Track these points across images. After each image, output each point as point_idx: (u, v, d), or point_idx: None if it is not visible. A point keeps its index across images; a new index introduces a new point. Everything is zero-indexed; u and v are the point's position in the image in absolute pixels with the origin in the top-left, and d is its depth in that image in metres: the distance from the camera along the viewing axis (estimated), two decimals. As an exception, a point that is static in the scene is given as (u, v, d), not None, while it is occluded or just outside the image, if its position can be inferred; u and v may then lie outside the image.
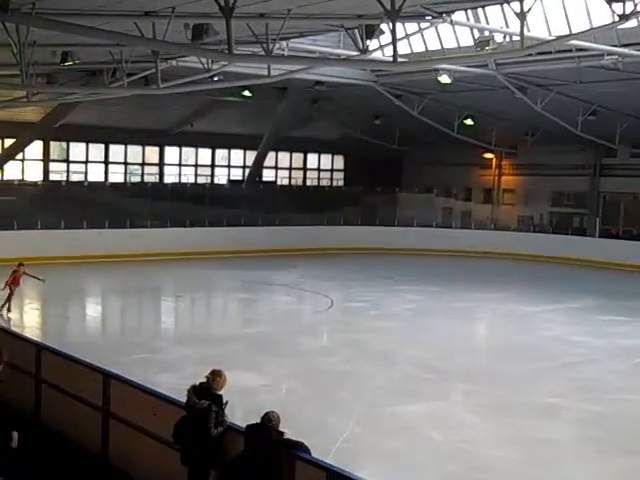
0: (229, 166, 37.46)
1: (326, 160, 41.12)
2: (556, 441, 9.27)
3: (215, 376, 6.42)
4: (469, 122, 31.46)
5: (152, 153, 34.66)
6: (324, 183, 41.00)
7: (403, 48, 25.33)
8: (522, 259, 30.24)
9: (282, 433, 5.86)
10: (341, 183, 41.20)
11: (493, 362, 13.70)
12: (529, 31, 18.16)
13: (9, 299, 16.15)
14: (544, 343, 15.04)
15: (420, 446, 8.95)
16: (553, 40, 19.56)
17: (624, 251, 30.30)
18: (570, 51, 23.20)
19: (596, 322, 17.69)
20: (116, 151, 33.59)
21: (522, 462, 8.56)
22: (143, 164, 34.57)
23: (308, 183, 40.34)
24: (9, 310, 16.12)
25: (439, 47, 24.96)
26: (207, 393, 6.33)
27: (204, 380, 6.43)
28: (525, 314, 18.56)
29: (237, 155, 37.60)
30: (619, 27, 21.85)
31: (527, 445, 9.08)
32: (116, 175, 33.39)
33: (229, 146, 36.95)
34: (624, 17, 12.27)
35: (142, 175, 34.46)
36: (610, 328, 16.91)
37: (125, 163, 33.98)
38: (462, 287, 22.58)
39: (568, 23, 21.82)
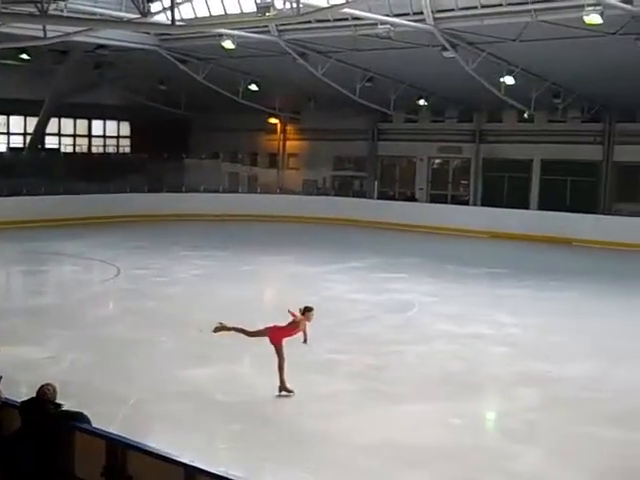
0: (8, 133, 35.63)
1: (112, 127, 40.09)
2: (335, 394, 9.76)
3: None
4: (254, 88, 31.84)
5: None
6: (110, 150, 40.01)
7: (187, 13, 25.21)
8: (307, 222, 31.07)
9: (59, 405, 5.73)
10: (128, 150, 40.36)
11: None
12: (306, -1, 18.71)
13: None
14: (326, 302, 15.61)
15: (207, 408, 9.13)
16: (328, 8, 20.18)
17: (400, 211, 31.99)
18: (347, 20, 24.02)
19: (375, 280, 18.68)
20: None
21: (305, 416, 8.97)
22: None
23: (94, 150, 39.21)
24: None
25: (223, 12, 25.05)
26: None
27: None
28: (309, 275, 19.22)
29: (17, 121, 35.86)
30: (392, -3, 22.99)
31: (308, 400, 9.50)
32: None
33: (8, 112, 35.08)
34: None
35: None
36: (388, 285, 17.94)
37: None
38: (249, 251, 22.93)
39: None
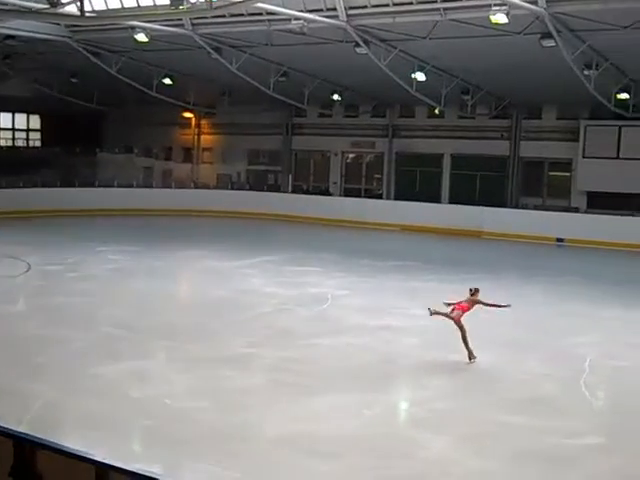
0: None
1: (21, 119, 39.16)
2: (250, 389, 9.84)
3: None
4: (168, 81, 31.57)
5: None
6: (19, 144, 39.07)
7: (99, 4, 24.79)
8: (222, 216, 31.01)
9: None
10: (38, 144, 39.47)
11: (192, 318, 14.11)
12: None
13: None
14: (241, 296, 15.74)
15: (119, 405, 9.09)
16: (242, 2, 20.21)
17: (314, 206, 32.23)
18: (261, 14, 24.06)
19: (289, 273, 18.83)
20: None
21: (218, 410, 9.01)
22: None
23: (2, 144, 38.23)
24: None
25: (135, 5, 24.72)
26: None
27: None
28: (224, 269, 19.24)
29: None
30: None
31: (223, 394, 9.55)
32: None
33: None
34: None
35: None
36: (301, 278, 18.12)
37: None
38: (163, 246, 22.79)
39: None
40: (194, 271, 20.00)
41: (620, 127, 30.05)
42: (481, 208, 29.44)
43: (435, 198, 32.85)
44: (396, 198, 34.10)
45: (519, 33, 22.25)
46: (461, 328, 11.37)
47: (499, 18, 19.89)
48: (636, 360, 11.76)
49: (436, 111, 32.51)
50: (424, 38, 24.18)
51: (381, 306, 15.28)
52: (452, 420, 8.89)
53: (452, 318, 11.44)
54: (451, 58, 26.48)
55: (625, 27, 21.12)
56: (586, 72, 24.33)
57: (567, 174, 31.69)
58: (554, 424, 8.75)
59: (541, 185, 32.28)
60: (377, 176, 36.47)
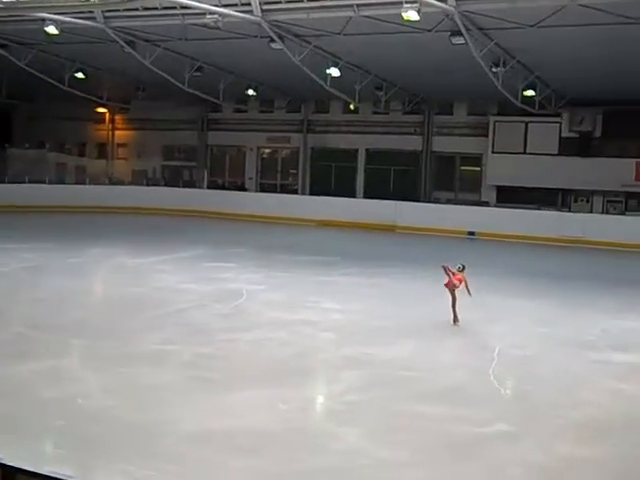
0: None
1: None
2: (165, 386, 9.81)
3: None
4: (80, 75, 31.00)
5: None
6: None
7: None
8: (137, 212, 30.70)
9: None
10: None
11: (107, 315, 13.96)
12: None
13: None
14: (156, 293, 15.65)
15: (30, 405, 8.94)
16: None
17: (230, 201, 32.22)
18: (175, 8, 23.84)
19: (204, 269, 18.80)
20: None
21: (132, 409, 8.94)
22: None
23: None
24: None
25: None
26: None
27: None
28: (138, 266, 19.09)
29: None
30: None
31: (138, 392, 9.49)
32: None
33: None
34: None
35: None
36: (217, 274, 18.11)
37: None
38: (77, 243, 22.44)
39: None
40: (109, 268, 19.75)
41: (527, 123, 30.98)
42: (395, 202, 29.91)
43: (350, 193, 33.22)
44: (312, 193, 34.35)
45: (430, 30, 22.65)
46: (454, 296, 13.37)
47: (410, 15, 20.20)
48: (541, 349, 12.19)
49: (351, 106, 32.83)
50: (338, 34, 24.38)
51: (297, 300, 15.41)
52: (365, 412, 9.05)
53: (453, 285, 13.41)
54: (365, 54, 26.78)
55: (531, 26, 21.75)
56: (494, 69, 24.98)
57: (477, 169, 32.51)
58: (464, 413, 8.98)
59: (453, 179, 33.01)
60: (293, 171, 36.65)
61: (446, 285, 13.62)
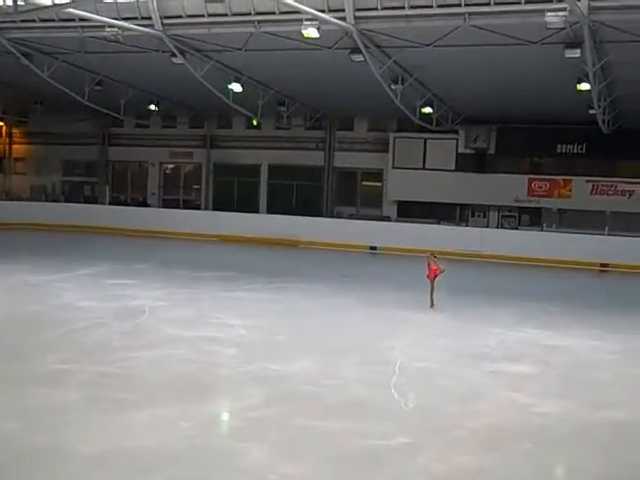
0: None
1: None
2: (64, 407, 9.60)
3: None
4: (-27, 88, 30.13)
5: None
6: None
7: None
8: (36, 229, 30.07)
9: None
10: None
11: (4, 335, 13.53)
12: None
13: None
14: (55, 311, 15.30)
15: None
16: (50, 6, 19.71)
17: (132, 217, 31.83)
18: (73, 20, 23.50)
19: (105, 287, 18.48)
20: None
21: (29, 431, 8.70)
22: None
23: None
24: None
25: None
26: None
27: None
28: (38, 283, 18.63)
29: None
30: (119, 1, 22.83)
31: (35, 414, 9.25)
32: None
33: None
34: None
35: None
36: (118, 291, 17.83)
37: None
38: (-29, 261, 21.77)
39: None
40: (6, 286, 19.17)
41: (426, 139, 31.73)
42: (298, 217, 30.11)
43: (253, 208, 33.27)
44: (215, 208, 34.27)
45: (330, 47, 23.01)
46: (432, 285, 16.99)
47: (311, 32, 20.49)
48: (441, 361, 12.49)
49: (253, 122, 32.93)
50: (239, 49, 24.48)
51: (199, 317, 15.34)
52: (269, 428, 9.08)
53: (435, 274, 16.96)
54: (266, 70, 26.95)
55: (427, 45, 22.35)
56: (393, 86, 25.52)
57: (379, 184, 33.07)
58: (366, 427, 9.12)
59: (355, 194, 33.49)
60: (196, 187, 36.48)
61: (427, 276, 17.15)
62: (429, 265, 17.24)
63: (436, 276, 17.16)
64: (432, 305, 16.98)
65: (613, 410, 9.97)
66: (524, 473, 7.84)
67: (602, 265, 27.58)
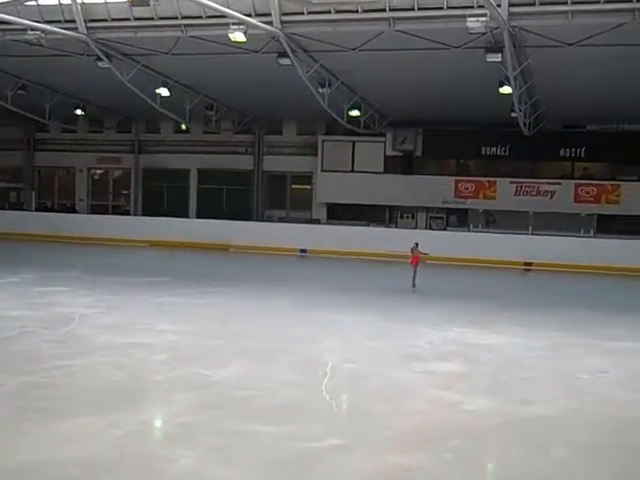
0: None
1: None
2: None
3: None
4: None
5: None
6: None
7: None
8: (-43, 237, 29.23)
9: None
10: None
11: None
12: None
13: None
14: (-20, 322, 15.02)
15: None
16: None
17: (60, 223, 31.37)
18: (-5, 24, 23.08)
19: (33, 295, 18.16)
20: None
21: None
22: None
23: None
24: None
25: None
26: None
27: None
28: (-39, 294, 18.23)
29: None
30: (41, 3, 22.49)
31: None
32: None
33: None
34: None
35: None
36: (47, 299, 17.56)
37: None
38: None
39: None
40: None
41: (354, 142, 32.03)
42: (228, 222, 30.08)
43: (183, 213, 33.10)
44: (144, 214, 34.01)
45: (257, 52, 23.09)
46: (415, 270, 20.67)
47: (238, 36, 20.57)
48: (371, 362, 12.67)
49: (182, 126, 32.77)
50: (166, 53, 24.37)
51: (130, 323, 15.23)
52: (201, 433, 9.10)
53: (417, 261, 20.93)
54: (194, 74, 26.89)
55: (353, 49, 22.62)
56: (320, 90, 25.76)
57: (308, 187, 33.24)
58: (298, 429, 9.21)
59: (285, 198, 33.59)
60: (125, 192, 36.11)
61: (411, 262, 20.98)
62: (412, 253, 21.07)
63: (418, 263, 20.95)
64: (414, 286, 20.70)
65: (538, 405, 10.27)
66: (452, 469, 8.03)
67: (526, 264, 28.28)
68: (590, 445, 8.70)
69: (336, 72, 25.71)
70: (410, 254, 21.22)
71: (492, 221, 31.72)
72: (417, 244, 21.32)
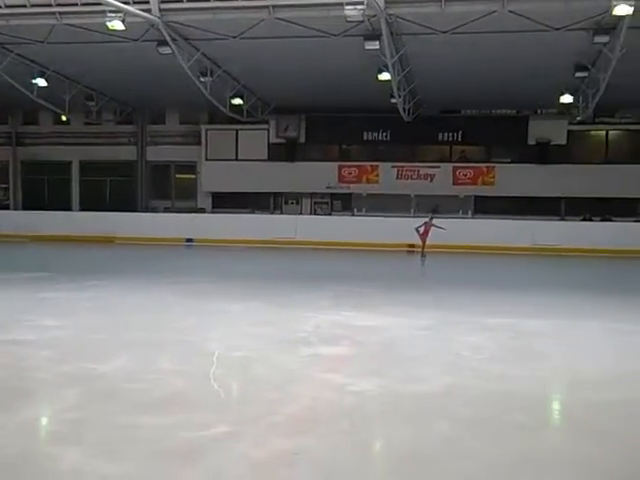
0: None
1: None
2: None
3: None
4: None
5: None
6: None
7: None
8: None
9: None
10: None
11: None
12: None
13: None
14: None
15: None
16: None
17: None
18: None
19: None
20: None
21: None
22: None
23: None
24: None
25: None
26: None
27: None
28: None
29: None
30: None
31: None
32: None
33: None
34: None
35: None
36: None
37: None
38: None
39: None
40: None
41: (237, 131, 32.01)
42: (112, 214, 29.63)
43: (66, 206, 32.34)
44: (25, 208, 33.05)
45: (137, 40, 22.76)
46: (424, 241, 23.69)
47: (115, 24, 20.23)
48: (258, 349, 12.79)
49: (62, 117, 31.98)
50: (42, 42, 23.72)
51: (11, 320, 14.84)
52: (87, 429, 9.01)
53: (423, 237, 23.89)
54: (71, 64, 26.29)
55: (234, 37, 22.61)
56: (202, 79, 25.64)
57: (193, 176, 33.03)
58: (186, 419, 9.23)
59: (169, 188, 33.28)
60: (3, 186, 34.97)
61: (421, 235, 24.38)
62: (425, 226, 24.14)
63: (427, 235, 24.36)
64: (423, 256, 24.59)
65: (422, 384, 10.60)
66: (339, 450, 8.24)
67: (409, 246, 28.97)
68: (472, 419, 9.08)
69: (218, 60, 25.60)
70: (423, 227, 24.40)
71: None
72: (432, 218, 23.88)
